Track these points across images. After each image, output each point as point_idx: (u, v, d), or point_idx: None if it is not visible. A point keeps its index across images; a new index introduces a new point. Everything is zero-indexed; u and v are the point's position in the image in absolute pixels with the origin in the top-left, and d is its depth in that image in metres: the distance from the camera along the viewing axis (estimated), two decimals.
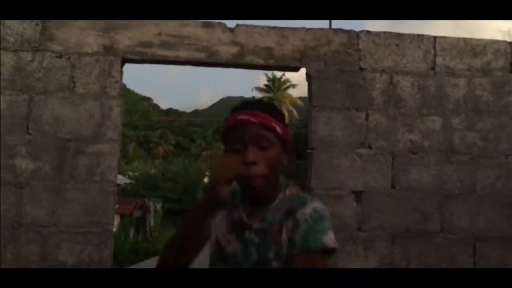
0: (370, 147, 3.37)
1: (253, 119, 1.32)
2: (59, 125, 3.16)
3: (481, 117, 3.44)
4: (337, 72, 3.40)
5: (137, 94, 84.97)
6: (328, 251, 1.25)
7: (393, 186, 3.36)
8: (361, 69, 3.43)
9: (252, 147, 1.30)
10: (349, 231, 3.28)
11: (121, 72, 3.29)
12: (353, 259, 3.27)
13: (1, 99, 3.12)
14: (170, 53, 3.30)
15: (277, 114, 1.37)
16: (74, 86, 3.20)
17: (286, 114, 42.01)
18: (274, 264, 1.29)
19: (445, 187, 3.37)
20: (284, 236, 1.29)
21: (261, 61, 3.35)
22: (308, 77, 3.43)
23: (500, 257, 3.32)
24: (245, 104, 1.38)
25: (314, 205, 1.29)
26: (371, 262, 3.27)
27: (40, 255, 3.05)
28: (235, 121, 1.34)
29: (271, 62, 3.37)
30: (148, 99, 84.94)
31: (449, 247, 3.32)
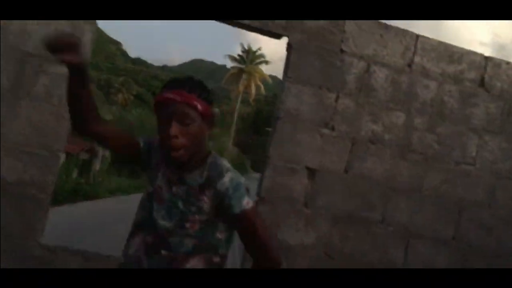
0: (333, 128, 3.42)
1: (177, 98, 1.51)
2: (24, 37, 3.00)
3: (443, 122, 3.55)
4: (318, 49, 3.40)
5: (106, 35, 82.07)
6: (248, 210, 1.54)
7: (346, 171, 3.43)
8: (341, 51, 3.44)
9: (175, 123, 1.50)
10: (295, 205, 3.34)
11: None
12: (292, 233, 3.34)
13: None
14: None
15: (203, 92, 1.56)
16: None
17: (254, 89, 41.89)
18: (197, 217, 1.53)
19: (394, 181, 3.47)
20: (204, 198, 1.54)
21: (245, 21, 3.30)
22: (289, 46, 3.41)
23: (430, 256, 3.48)
24: (174, 82, 1.56)
25: (230, 175, 1.56)
26: (309, 238, 3.35)
27: None
28: (163, 99, 1.54)
29: (256, 23, 3.33)
30: (117, 43, 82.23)
31: (386, 238, 3.44)
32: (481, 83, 3.64)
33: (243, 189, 1.56)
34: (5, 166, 2.98)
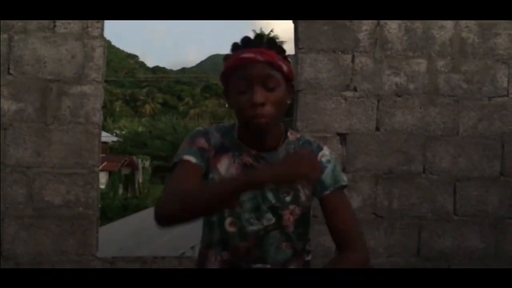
0: (355, 89, 3.37)
1: (259, 58, 1.26)
2: (40, 65, 3.10)
3: (466, 60, 3.44)
4: None
5: (122, 52, 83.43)
6: (344, 189, 1.37)
7: (377, 129, 3.39)
8: None
9: (259, 88, 1.25)
10: None
11: None
12: None
13: None
14: None
15: (282, 51, 1.32)
16: (55, 26, 3.12)
17: None
18: (292, 208, 1.31)
19: (428, 129, 3.40)
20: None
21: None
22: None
23: (480, 196, 3.41)
24: (248, 41, 1.30)
25: (328, 149, 1.38)
26: (355, 202, 3.33)
27: (26, 196, 3.06)
28: (240, 60, 1.27)
29: None
30: (134, 57, 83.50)
31: (431, 187, 3.39)
32: None
33: (339, 165, 1.38)
34: (50, 191, 3.10)
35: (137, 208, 19.30)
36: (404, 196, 3.38)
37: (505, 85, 3.48)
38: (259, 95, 1.24)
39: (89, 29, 3.14)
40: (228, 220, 1.31)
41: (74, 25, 3.13)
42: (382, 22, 3.40)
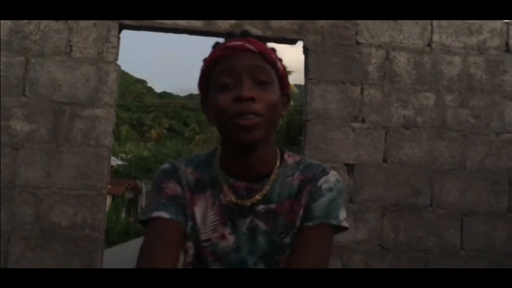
0: (363, 121, 3.41)
1: (249, 46, 1.00)
2: (55, 88, 3.16)
3: (474, 95, 3.48)
4: (334, 46, 3.42)
5: (131, 76, 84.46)
6: (339, 229, 1.06)
7: (385, 160, 3.40)
8: (357, 43, 3.45)
9: (247, 80, 0.97)
10: None
11: (119, 37, 3.28)
12: None
13: None
14: (168, 21, 3.29)
15: (274, 51, 1.07)
16: (71, 50, 3.20)
17: None
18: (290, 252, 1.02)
19: (436, 163, 3.42)
20: (301, 213, 1.04)
21: (258, 32, 3.36)
22: (305, 49, 3.44)
23: (488, 232, 3.39)
24: (231, 34, 1.06)
25: (336, 175, 1.08)
26: (361, 233, 3.32)
27: (34, 216, 3.08)
28: (224, 49, 1.00)
29: (269, 33, 3.38)
30: (142, 82, 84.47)
31: (438, 221, 3.38)
32: (507, 48, 3.56)
33: (342, 199, 1.07)
34: (58, 212, 3.12)
35: (139, 233, 19.18)
36: (410, 229, 3.37)
37: None
38: (247, 88, 0.96)
39: (104, 54, 3.22)
40: None
41: (90, 50, 3.21)
42: (391, 55, 3.46)
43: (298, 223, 1.03)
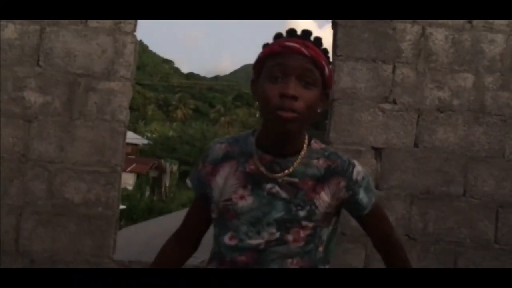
0: (394, 102, 3.18)
1: (304, 50, 1.14)
2: (70, 59, 3.03)
3: None
4: (365, 21, 3.18)
5: (158, 56, 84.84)
6: (379, 205, 1.33)
7: (416, 145, 3.17)
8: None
9: (294, 80, 1.13)
10: None
11: None
12: None
13: (12, 28, 2.99)
14: None
15: (327, 53, 1.21)
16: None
17: None
18: (304, 223, 1.19)
19: (471, 149, 3.17)
20: (322, 195, 1.20)
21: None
22: (334, 24, 3.22)
23: None
24: (294, 32, 1.20)
25: (359, 163, 1.28)
26: None
27: (46, 191, 2.99)
28: (282, 47, 1.15)
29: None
30: (169, 62, 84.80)
31: (471, 211, 3.15)
32: None
33: (372, 181, 1.32)
34: (71, 188, 3.02)
35: (162, 212, 19.31)
36: (441, 219, 3.15)
37: None
38: (293, 87, 1.12)
39: (122, 24, 3.06)
40: (228, 235, 1.22)
41: (107, 20, 3.06)
42: (427, 32, 3.20)
43: (317, 203, 1.20)
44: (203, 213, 1.32)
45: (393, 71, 3.19)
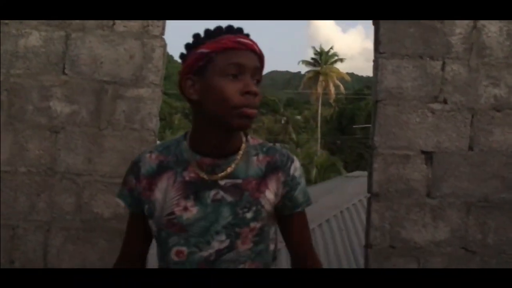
0: (445, 101, 2.91)
1: (256, 48, 1.18)
2: (97, 65, 2.88)
3: None
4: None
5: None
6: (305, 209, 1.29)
7: (471, 148, 2.90)
8: None
9: (250, 77, 1.15)
10: (417, 197, 2.87)
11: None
12: (419, 229, 2.86)
13: (37, 35, 2.86)
14: None
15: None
16: (114, 24, 2.90)
17: (333, 89, 41.16)
18: (252, 225, 1.18)
19: None
20: (267, 193, 1.19)
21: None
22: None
23: None
24: (232, 28, 1.19)
25: (296, 159, 1.26)
26: (441, 233, 2.85)
27: (75, 206, 2.83)
28: (237, 43, 1.15)
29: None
30: None
31: None
32: None
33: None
34: (100, 202, 2.85)
35: None
36: (501, 229, 2.86)
37: None
38: (253, 84, 1.15)
39: (150, 27, 2.90)
40: (173, 250, 1.20)
41: (134, 24, 2.90)
42: (479, 24, 2.93)
43: (263, 202, 1.19)
44: (143, 229, 1.30)
45: (443, 68, 2.93)
